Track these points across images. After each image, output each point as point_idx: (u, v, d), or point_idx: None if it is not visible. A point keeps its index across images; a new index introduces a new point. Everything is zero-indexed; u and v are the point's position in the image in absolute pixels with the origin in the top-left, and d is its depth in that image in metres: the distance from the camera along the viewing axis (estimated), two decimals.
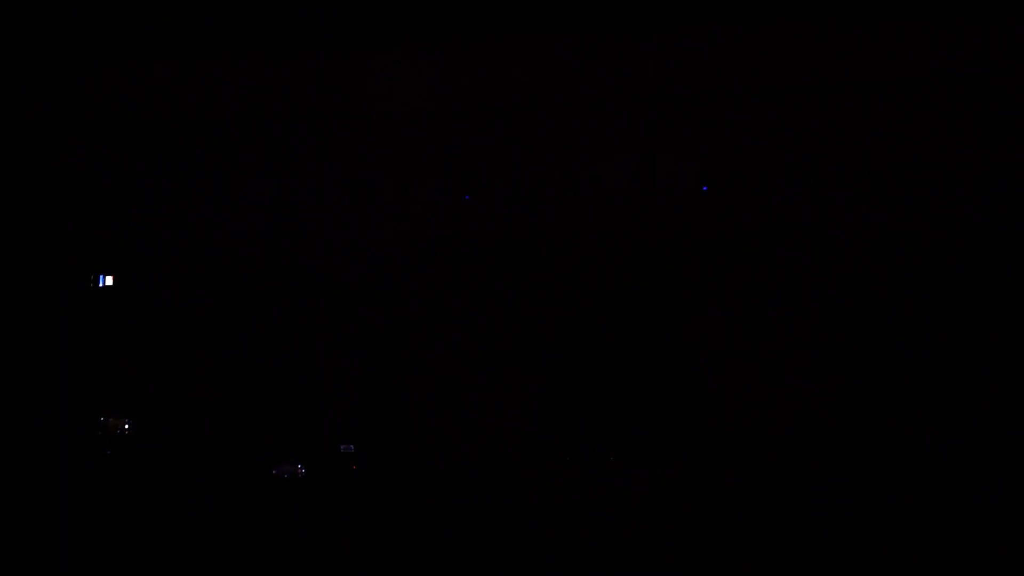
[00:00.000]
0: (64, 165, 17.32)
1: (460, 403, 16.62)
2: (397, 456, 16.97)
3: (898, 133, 15.18)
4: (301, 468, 16.82)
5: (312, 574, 13.42)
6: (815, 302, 15.57)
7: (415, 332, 17.03)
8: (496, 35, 15.22)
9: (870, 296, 15.37)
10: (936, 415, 14.93)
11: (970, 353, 14.92)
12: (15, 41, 14.84)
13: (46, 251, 17.61)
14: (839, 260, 15.44)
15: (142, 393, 17.40)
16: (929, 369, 15.13)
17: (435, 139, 16.33)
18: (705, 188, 16.21)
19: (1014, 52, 14.10)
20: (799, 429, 15.19)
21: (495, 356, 16.62)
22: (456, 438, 16.57)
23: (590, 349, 16.32)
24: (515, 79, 15.58)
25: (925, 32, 14.62)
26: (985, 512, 13.20)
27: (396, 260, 17.00)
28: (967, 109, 14.79)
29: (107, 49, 15.47)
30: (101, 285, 17.86)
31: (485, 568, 13.10)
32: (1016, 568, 12.03)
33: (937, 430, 14.80)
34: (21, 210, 17.65)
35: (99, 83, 16.15)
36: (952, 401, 14.87)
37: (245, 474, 16.28)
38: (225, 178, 17.18)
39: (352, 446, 16.90)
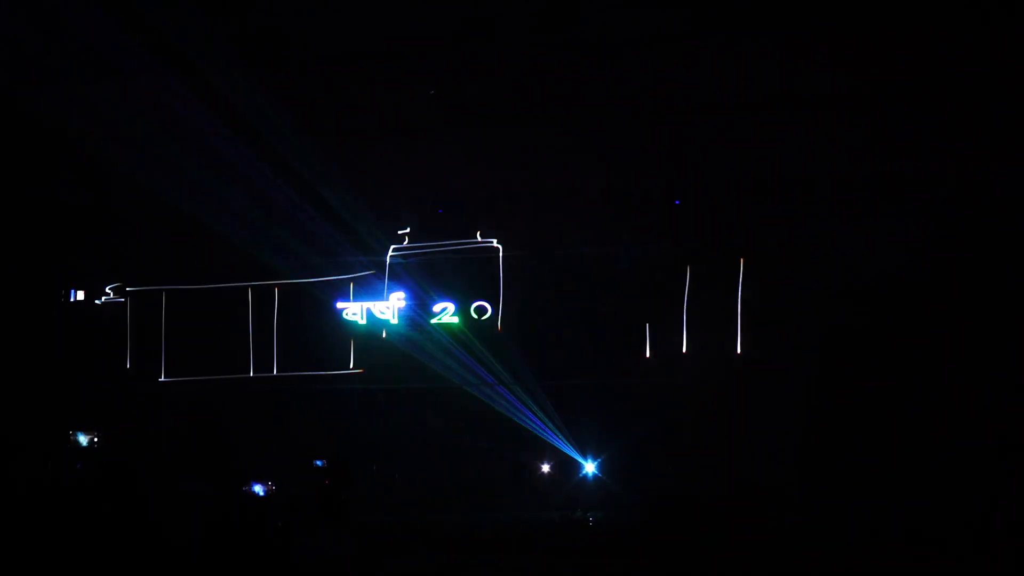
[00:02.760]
0: (38, 177, 17.33)
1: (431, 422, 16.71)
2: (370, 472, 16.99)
3: (880, 141, 15.63)
4: (272, 484, 16.67)
5: None
6: (788, 311, 15.75)
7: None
8: (475, 50, 15.73)
9: (843, 305, 15.59)
10: (908, 423, 15.08)
11: (942, 361, 15.13)
12: None
13: (20, 265, 17.55)
14: (812, 268, 15.68)
15: (114, 407, 17.27)
16: (901, 377, 15.32)
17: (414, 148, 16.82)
18: (678, 201, 16.52)
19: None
20: (771, 438, 15.29)
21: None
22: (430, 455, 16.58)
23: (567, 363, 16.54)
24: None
25: (897, 47, 15.14)
26: (960, 518, 13.32)
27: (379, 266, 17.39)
28: (944, 116, 15.23)
29: (103, 64, 15.85)
30: (72, 300, 17.80)
31: None
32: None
33: (910, 438, 14.92)
34: None
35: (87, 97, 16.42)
36: (926, 409, 15.04)
37: (216, 489, 16.06)
38: (206, 189, 17.21)
39: (324, 461, 16.81)
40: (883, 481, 14.56)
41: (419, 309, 17.34)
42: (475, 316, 16.99)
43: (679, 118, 15.83)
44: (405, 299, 17.48)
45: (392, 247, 17.38)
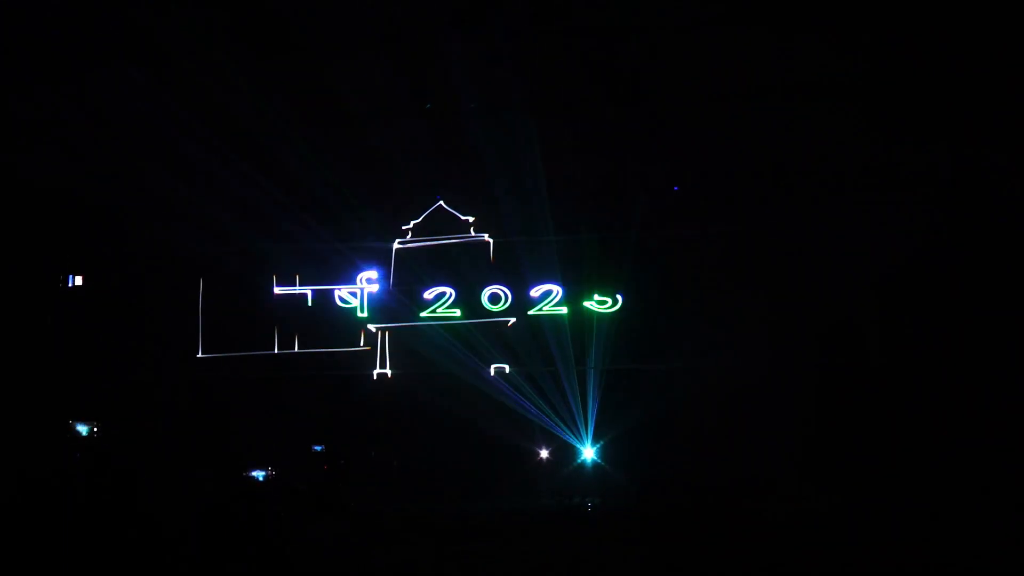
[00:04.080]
0: (29, 167, 17.30)
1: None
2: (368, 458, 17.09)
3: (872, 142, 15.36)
4: (271, 470, 16.80)
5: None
6: (786, 307, 15.62)
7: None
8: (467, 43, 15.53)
9: (839, 301, 15.47)
10: (908, 420, 14.98)
11: (943, 355, 14.98)
12: None
13: (16, 251, 17.60)
14: (809, 266, 15.53)
15: (111, 397, 17.40)
16: (901, 373, 15.20)
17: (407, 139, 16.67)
18: (676, 188, 16.35)
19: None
20: (769, 432, 15.21)
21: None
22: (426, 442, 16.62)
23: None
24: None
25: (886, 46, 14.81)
26: (960, 518, 13.24)
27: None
28: (946, 106, 14.94)
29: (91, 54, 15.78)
30: (71, 285, 17.86)
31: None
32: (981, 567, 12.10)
33: (909, 436, 14.85)
34: None
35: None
36: (925, 406, 14.92)
37: (216, 476, 16.21)
38: (203, 181, 17.17)
39: (323, 446, 16.96)
40: (882, 479, 14.49)
41: (403, 296, 16.86)
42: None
43: (678, 106, 15.70)
44: (378, 282, 16.96)
45: (397, 240, 17.00)
